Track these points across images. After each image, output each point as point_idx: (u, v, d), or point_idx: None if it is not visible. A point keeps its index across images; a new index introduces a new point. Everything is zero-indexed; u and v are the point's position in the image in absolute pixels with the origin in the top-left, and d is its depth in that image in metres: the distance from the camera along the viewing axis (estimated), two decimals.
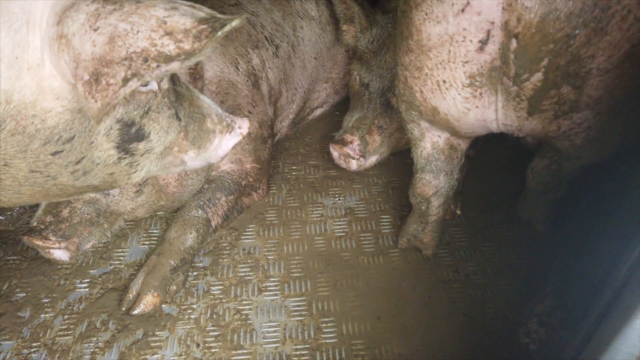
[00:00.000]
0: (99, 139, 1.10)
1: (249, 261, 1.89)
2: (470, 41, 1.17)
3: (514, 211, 1.99)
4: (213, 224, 1.86)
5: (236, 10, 1.98)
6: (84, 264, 1.86)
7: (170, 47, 0.94)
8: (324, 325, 1.66)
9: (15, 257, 1.87)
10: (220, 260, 1.88)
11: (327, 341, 1.61)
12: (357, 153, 1.95)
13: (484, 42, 1.16)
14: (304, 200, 2.17)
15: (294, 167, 2.35)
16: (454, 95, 1.29)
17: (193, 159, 1.38)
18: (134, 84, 0.95)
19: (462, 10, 1.14)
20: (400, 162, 2.34)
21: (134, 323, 1.65)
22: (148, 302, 1.66)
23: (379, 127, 1.98)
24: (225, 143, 1.44)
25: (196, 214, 1.81)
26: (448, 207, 1.82)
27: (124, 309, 1.68)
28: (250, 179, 1.97)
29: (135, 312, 1.65)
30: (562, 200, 1.85)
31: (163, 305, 1.70)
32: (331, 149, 2.03)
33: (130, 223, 1.96)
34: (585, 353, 0.96)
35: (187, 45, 0.94)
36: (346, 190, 2.22)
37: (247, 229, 2.02)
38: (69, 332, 1.63)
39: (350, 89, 2.17)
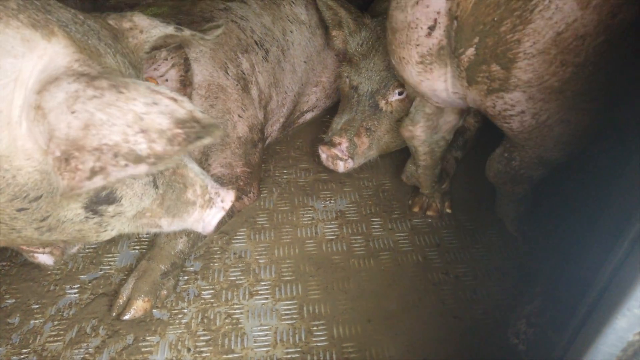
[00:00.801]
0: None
1: (240, 265, 1.89)
2: (421, 28, 1.40)
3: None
4: None
5: (225, 14, 1.98)
6: (73, 270, 1.85)
7: (142, 146, 0.91)
8: (315, 328, 1.67)
9: (4, 263, 1.86)
10: (211, 264, 1.89)
11: (318, 344, 1.62)
12: (345, 155, 1.97)
13: (431, 29, 1.39)
14: (295, 204, 2.18)
15: (285, 171, 2.36)
16: (410, 69, 1.54)
17: (169, 225, 1.34)
18: (98, 182, 0.92)
19: (417, 3, 1.38)
20: (391, 165, 2.35)
21: (125, 328, 1.65)
22: (139, 307, 1.65)
23: (367, 129, 2.00)
24: (208, 219, 1.40)
25: None
26: (437, 161, 1.94)
27: (114, 314, 1.67)
28: (241, 183, 1.97)
29: (126, 317, 1.65)
30: (549, 201, 1.88)
31: (154, 310, 1.70)
32: (319, 151, 2.04)
33: None
34: (570, 353, 0.98)
35: (159, 147, 0.91)
36: (337, 193, 2.23)
37: (238, 233, 2.02)
38: (58, 338, 1.62)
39: (341, 91, 2.19)
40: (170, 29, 1.29)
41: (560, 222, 1.89)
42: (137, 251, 1.92)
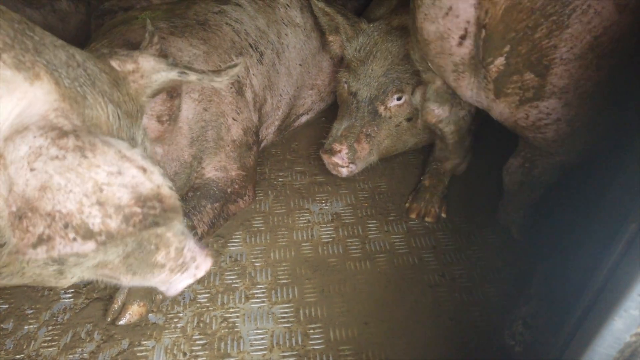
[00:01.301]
0: None
1: (235, 268, 1.89)
2: (453, 38, 1.40)
3: (496, 216, 2.02)
4: (199, 231, 1.85)
5: (220, 17, 1.98)
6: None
7: (95, 220, 0.84)
8: (311, 331, 1.66)
9: None
10: None
11: (315, 347, 1.61)
12: (345, 162, 1.98)
13: (462, 38, 1.38)
14: (291, 207, 2.17)
15: (281, 174, 2.35)
16: (447, 75, 1.56)
17: (129, 282, 1.25)
18: (41, 253, 0.85)
19: (447, 14, 1.37)
20: (386, 168, 2.35)
21: (120, 333, 1.63)
22: (134, 312, 1.64)
23: (367, 135, 2.00)
24: (175, 284, 1.27)
25: None
26: (465, 134, 1.96)
27: (109, 319, 1.66)
28: (236, 186, 1.97)
29: (121, 322, 1.64)
30: (544, 203, 1.88)
31: (149, 315, 1.69)
32: (322, 158, 2.05)
33: None
34: (567, 354, 0.98)
35: (113, 224, 0.84)
36: (333, 196, 2.23)
37: (233, 236, 2.01)
38: (53, 344, 1.61)
39: (339, 96, 2.18)
40: (173, 74, 1.21)
41: (556, 223, 1.90)
42: None
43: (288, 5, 2.26)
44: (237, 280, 1.84)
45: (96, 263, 1.14)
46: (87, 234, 0.84)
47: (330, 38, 2.16)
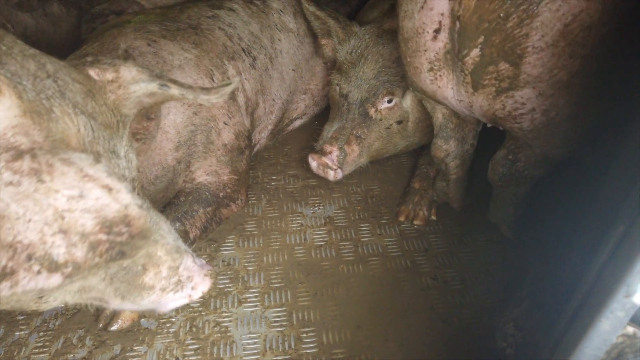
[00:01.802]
0: None
1: (228, 272, 1.88)
2: (427, 32, 1.40)
3: (487, 215, 2.03)
4: (191, 236, 1.85)
5: (213, 21, 1.99)
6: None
7: (60, 250, 0.77)
8: (304, 335, 1.66)
9: None
10: None
11: (308, 351, 1.61)
12: (335, 163, 1.98)
13: (437, 32, 1.39)
14: (284, 210, 2.18)
15: (274, 177, 2.36)
16: (424, 78, 1.54)
17: (118, 305, 1.17)
18: (4, 290, 0.78)
19: (422, 7, 1.38)
20: (379, 171, 2.36)
21: (112, 338, 1.63)
22: (126, 317, 1.64)
23: (358, 137, 2.01)
24: (165, 302, 1.20)
25: (173, 227, 1.79)
26: (467, 171, 1.98)
27: (101, 325, 1.65)
28: (228, 190, 1.97)
29: (113, 328, 1.63)
30: (535, 204, 1.89)
31: (141, 320, 1.68)
32: (310, 159, 2.05)
33: None
34: (556, 355, 0.98)
35: (79, 253, 0.78)
36: (325, 199, 2.23)
37: (226, 240, 2.01)
38: (44, 350, 1.59)
39: (331, 98, 2.19)
40: (153, 86, 1.12)
41: (546, 225, 1.91)
42: None
43: (281, 11, 2.27)
44: (230, 285, 1.84)
45: (78, 289, 1.07)
46: (52, 266, 0.78)
47: (323, 41, 2.17)
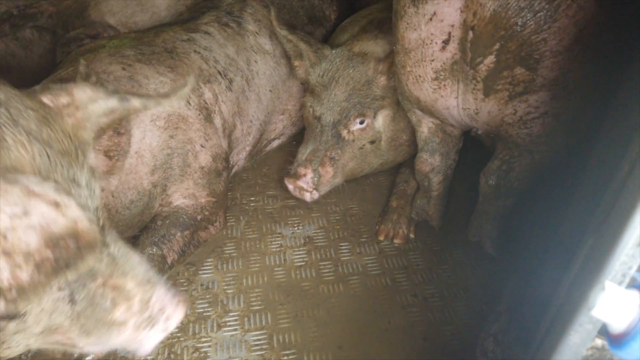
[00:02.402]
0: None
1: (207, 296, 1.86)
2: (436, 43, 1.43)
3: (467, 233, 2.05)
4: (169, 260, 1.82)
5: (188, 45, 2.00)
6: None
7: (2, 275, 0.72)
8: (285, 358, 1.64)
9: None
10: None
11: None
12: (310, 186, 2.01)
13: (446, 42, 1.42)
14: (263, 231, 2.17)
15: (252, 198, 2.35)
16: (426, 87, 1.57)
17: (88, 346, 1.10)
18: None
19: (430, 19, 1.41)
20: (358, 190, 2.38)
21: None
22: None
23: (331, 158, 2.04)
24: (144, 343, 1.13)
25: (150, 251, 1.77)
26: (447, 188, 2.01)
27: (76, 355, 1.61)
28: (207, 213, 1.95)
29: (88, 358, 1.58)
30: (513, 219, 1.92)
31: (117, 348, 1.64)
32: (286, 182, 2.07)
33: None
34: None
35: (24, 275, 0.72)
36: (305, 219, 2.23)
37: (204, 264, 1.99)
38: None
39: (305, 120, 2.22)
40: (113, 102, 1.09)
41: (524, 240, 1.94)
42: None
43: (257, 33, 2.30)
44: (209, 309, 1.81)
45: (42, 329, 1.00)
46: None
47: (296, 63, 2.21)
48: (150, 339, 1.13)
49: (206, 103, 1.94)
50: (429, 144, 1.86)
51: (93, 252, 0.78)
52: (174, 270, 1.91)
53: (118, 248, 1.09)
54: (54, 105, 1.05)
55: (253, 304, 1.83)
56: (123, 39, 1.95)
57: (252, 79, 2.23)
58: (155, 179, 1.75)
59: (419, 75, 1.57)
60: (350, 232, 2.16)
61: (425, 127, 1.84)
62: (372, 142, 2.08)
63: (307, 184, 2.00)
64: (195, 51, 2.00)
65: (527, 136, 1.51)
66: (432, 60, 1.49)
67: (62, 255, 0.75)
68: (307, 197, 2.05)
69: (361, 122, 2.03)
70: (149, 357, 1.62)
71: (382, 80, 1.99)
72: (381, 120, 2.05)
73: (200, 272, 1.95)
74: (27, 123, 0.94)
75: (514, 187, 1.72)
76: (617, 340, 0.54)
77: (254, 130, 2.28)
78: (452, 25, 1.38)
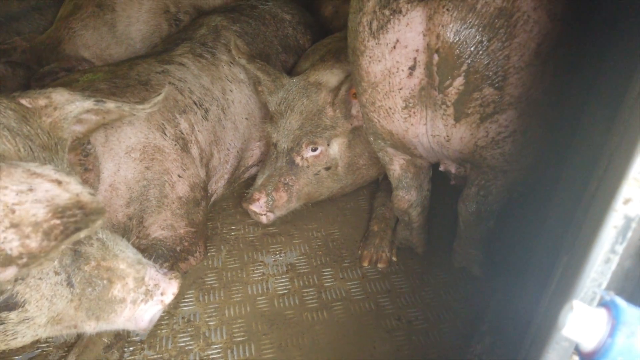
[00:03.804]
0: None
1: (189, 329, 1.82)
2: (402, 70, 1.42)
3: (449, 255, 2.06)
4: None
5: (163, 77, 2.00)
6: (6, 350, 1.71)
7: (13, 244, 0.78)
8: None
9: None
10: (158, 331, 1.80)
11: None
12: (263, 210, 2.05)
13: (412, 68, 1.40)
14: (245, 260, 2.14)
15: (233, 227, 2.33)
16: (397, 118, 1.55)
17: (94, 329, 1.17)
18: None
19: (394, 47, 1.40)
20: (338, 214, 2.38)
21: None
22: None
23: (285, 184, 2.07)
24: (141, 315, 1.21)
25: None
26: (427, 216, 2.02)
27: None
28: (186, 244, 1.93)
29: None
30: (492, 244, 1.94)
31: None
32: (243, 207, 2.11)
33: None
34: None
35: (33, 243, 0.79)
36: (286, 246, 2.22)
37: (185, 296, 1.95)
38: None
39: (266, 147, 2.25)
40: (89, 103, 1.17)
41: (505, 260, 1.95)
42: None
43: (231, 63, 2.32)
44: (191, 342, 1.77)
45: (46, 320, 1.07)
46: (6, 260, 0.78)
47: (259, 88, 2.24)
48: (147, 312, 1.23)
49: (182, 133, 1.94)
50: (403, 181, 1.87)
51: (100, 217, 0.84)
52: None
53: (106, 235, 1.19)
54: (32, 107, 1.14)
55: (236, 335, 1.80)
56: (97, 72, 1.94)
57: (228, 107, 2.24)
58: (130, 212, 1.73)
59: (389, 108, 1.55)
60: (332, 258, 2.15)
61: (397, 164, 1.85)
62: (327, 169, 2.12)
63: (259, 208, 2.05)
64: (170, 82, 2.01)
65: (500, 156, 1.52)
66: (400, 89, 1.47)
67: (71, 221, 0.81)
68: (263, 219, 2.10)
69: (313, 150, 2.07)
70: None
71: (329, 110, 2.04)
72: (337, 148, 2.10)
73: (181, 304, 1.91)
74: (7, 121, 1.03)
75: (493, 209, 1.73)
76: (588, 358, 0.54)
77: (231, 158, 2.28)
78: (417, 50, 1.37)
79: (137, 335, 1.77)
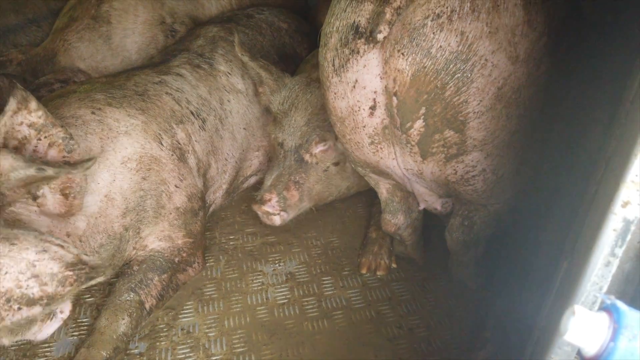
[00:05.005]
0: None
1: (188, 341, 1.80)
2: (364, 109, 1.41)
3: (449, 261, 2.05)
4: (147, 305, 1.77)
5: (160, 87, 2.00)
6: None
7: (34, 290, 1.06)
8: None
9: None
10: (158, 343, 1.78)
11: None
12: (276, 209, 2.01)
13: (372, 109, 1.40)
14: (244, 270, 2.13)
15: (231, 237, 2.32)
16: (366, 151, 1.55)
17: (10, 342, 1.32)
18: None
19: (354, 87, 1.39)
20: (337, 222, 2.37)
21: None
22: None
23: (296, 182, 2.05)
24: (46, 330, 1.42)
25: (128, 298, 1.72)
26: (421, 233, 2.01)
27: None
28: (184, 254, 1.92)
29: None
30: (494, 247, 1.93)
31: None
32: (254, 209, 2.07)
33: None
34: None
35: (50, 289, 1.07)
36: (285, 255, 2.21)
37: (184, 307, 1.94)
38: None
39: (271, 149, 2.24)
40: (31, 171, 1.18)
41: (506, 266, 1.94)
42: (75, 338, 1.79)
43: (229, 73, 2.32)
44: (190, 354, 1.75)
45: None
46: (30, 302, 1.06)
47: (260, 89, 2.25)
48: (49, 327, 1.43)
49: (179, 143, 1.93)
50: (389, 205, 1.86)
51: (102, 273, 1.21)
52: (153, 316, 1.85)
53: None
54: None
55: (236, 346, 1.78)
56: (94, 83, 1.94)
57: (226, 117, 2.24)
58: (126, 222, 1.71)
59: (357, 142, 1.53)
60: (332, 266, 2.14)
61: (384, 188, 1.84)
62: (336, 164, 2.10)
63: (272, 208, 2.01)
64: (167, 93, 2.01)
65: (473, 192, 1.50)
66: (364, 127, 1.46)
67: (82, 273, 1.13)
68: (277, 220, 2.05)
69: (323, 145, 2.05)
70: None
71: None
72: None
73: (180, 316, 1.90)
74: None
75: (480, 237, 1.72)
76: None
77: (229, 168, 2.28)
78: (375, 92, 1.35)
79: (136, 347, 1.75)
